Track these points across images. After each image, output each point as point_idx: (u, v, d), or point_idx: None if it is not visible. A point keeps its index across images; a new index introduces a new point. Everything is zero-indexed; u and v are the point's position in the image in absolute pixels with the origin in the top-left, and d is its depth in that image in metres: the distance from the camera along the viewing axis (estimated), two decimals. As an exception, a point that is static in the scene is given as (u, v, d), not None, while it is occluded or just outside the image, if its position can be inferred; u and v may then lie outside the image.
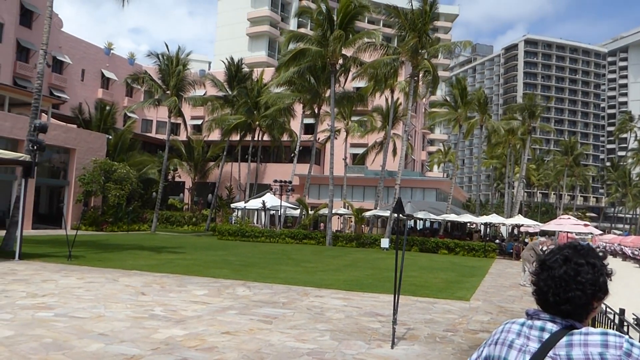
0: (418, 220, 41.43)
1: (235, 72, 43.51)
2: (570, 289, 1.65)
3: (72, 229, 25.51)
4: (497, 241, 36.61)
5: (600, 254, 1.74)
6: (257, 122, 42.47)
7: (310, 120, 43.97)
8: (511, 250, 31.76)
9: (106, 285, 12.03)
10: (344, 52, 32.78)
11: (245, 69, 45.64)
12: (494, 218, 36.42)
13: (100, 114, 39.89)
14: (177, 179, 51.65)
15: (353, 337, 8.16)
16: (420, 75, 34.18)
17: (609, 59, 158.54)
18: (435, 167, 79.41)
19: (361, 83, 39.77)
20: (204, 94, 49.38)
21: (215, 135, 45.46)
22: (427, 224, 44.66)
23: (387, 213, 32.80)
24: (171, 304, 10.17)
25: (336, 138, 37.67)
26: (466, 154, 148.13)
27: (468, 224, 42.70)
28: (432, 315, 10.56)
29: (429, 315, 10.54)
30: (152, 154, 47.96)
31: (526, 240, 40.15)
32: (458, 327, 9.49)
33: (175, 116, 37.34)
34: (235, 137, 44.37)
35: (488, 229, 40.80)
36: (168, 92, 36.98)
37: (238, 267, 17.19)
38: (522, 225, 37.66)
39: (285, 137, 45.51)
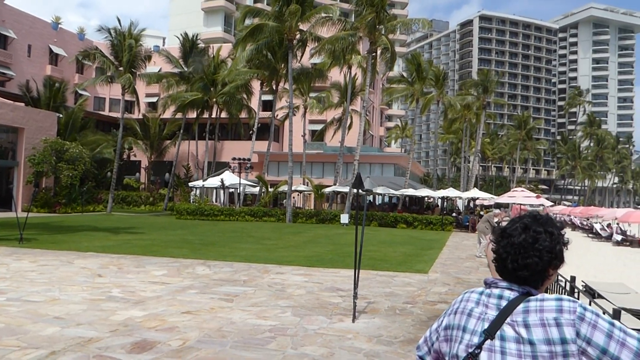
0: (377, 196, 41.91)
1: (191, 48, 42.48)
2: (528, 255, 1.68)
3: (23, 211, 24.65)
4: (454, 214, 37.45)
5: (558, 223, 1.78)
6: (215, 99, 41.74)
7: (269, 97, 43.54)
8: (467, 223, 32.55)
9: (60, 268, 11.71)
10: (301, 27, 32.41)
11: (201, 45, 44.60)
12: (450, 192, 37.20)
13: (49, 92, 38.36)
14: (132, 158, 50.47)
15: (314, 313, 8.22)
16: (379, 51, 34.19)
17: (560, 35, 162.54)
18: (393, 142, 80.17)
19: (319, 59, 39.51)
20: (158, 71, 48.19)
21: (171, 113, 44.42)
22: (386, 199, 45.24)
23: (346, 189, 33.02)
24: (129, 285, 9.99)
25: (295, 115, 37.47)
26: (423, 129, 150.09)
27: (426, 198, 43.48)
28: (392, 288, 10.74)
29: (389, 288, 10.71)
30: (105, 132, 46.65)
31: (482, 213, 41.18)
32: (417, 299, 9.69)
33: (129, 93, 36.29)
34: (192, 115, 43.55)
35: (445, 203, 41.65)
36: (121, 68, 35.82)
37: (197, 246, 17.03)
38: (478, 198, 38.64)
39: (243, 114, 44.91)
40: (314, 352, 6.23)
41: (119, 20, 36.93)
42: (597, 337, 1.53)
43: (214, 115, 43.89)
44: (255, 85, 41.31)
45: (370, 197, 42.08)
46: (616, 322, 1.61)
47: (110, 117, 53.02)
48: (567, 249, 1.76)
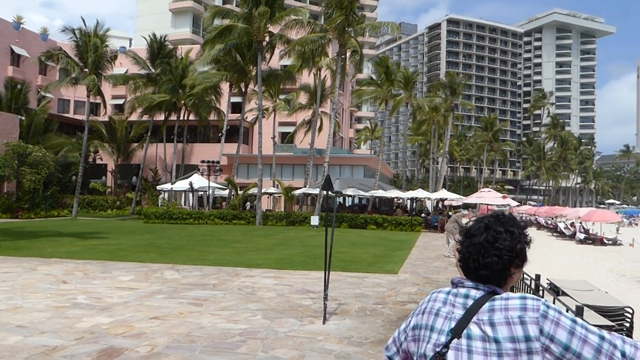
0: (347, 197, 42.06)
1: (159, 50, 41.92)
2: (488, 254, 1.71)
3: (-16, 217, 23.92)
4: (422, 215, 37.85)
5: (522, 223, 1.81)
6: (183, 101, 41.25)
7: (238, 99, 43.29)
8: (436, 224, 32.94)
9: (23, 274, 11.38)
10: (270, 29, 32.34)
11: (169, 46, 44.05)
12: (419, 193, 37.59)
13: (10, 94, 37.39)
14: (98, 162, 49.45)
15: (285, 315, 8.20)
16: (348, 53, 34.35)
17: (525, 39, 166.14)
18: (363, 144, 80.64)
19: (289, 61, 39.46)
20: (125, 72, 47.37)
21: (138, 115, 43.69)
22: (356, 201, 45.44)
23: (316, 191, 33.04)
24: (95, 291, 9.78)
25: (264, 117, 37.34)
26: (392, 131, 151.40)
27: (395, 199, 43.84)
28: (362, 289, 10.78)
29: (359, 289, 10.75)
30: (70, 135, 45.64)
31: (450, 213, 41.73)
32: (387, 300, 9.75)
33: (95, 95, 35.59)
34: (160, 117, 42.95)
35: (414, 204, 42.05)
36: (86, 70, 35.09)
37: (166, 250, 16.79)
38: (446, 199, 39.13)
39: (212, 117, 44.51)
40: (284, 354, 6.20)
41: (83, 21, 36.26)
42: (559, 334, 1.56)
43: (182, 118, 43.37)
44: (225, 87, 40.99)
45: (340, 199, 42.21)
46: (578, 319, 1.64)
47: (75, 120, 51.84)
48: (529, 247, 1.78)
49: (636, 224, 64.94)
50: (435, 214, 38.43)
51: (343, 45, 32.13)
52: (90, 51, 34.62)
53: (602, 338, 1.56)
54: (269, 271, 12.91)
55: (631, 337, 6.93)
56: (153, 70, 41.56)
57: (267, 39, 32.66)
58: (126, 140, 47.67)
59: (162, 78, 40.81)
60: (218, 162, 36.45)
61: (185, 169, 44.13)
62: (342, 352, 6.36)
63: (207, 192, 35.18)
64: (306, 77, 40.49)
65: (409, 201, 41.10)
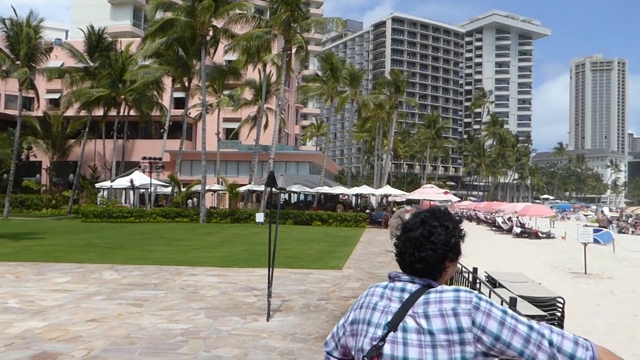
0: (293, 194, 42.05)
1: (97, 42, 40.41)
2: (423, 248, 1.74)
3: None
4: (367, 211, 38.34)
5: (457, 218, 1.85)
6: (123, 96, 39.98)
7: (181, 94, 42.38)
8: (380, 219, 33.43)
9: (-52, 278, 10.74)
10: (214, 23, 31.83)
11: (109, 39, 42.56)
12: (364, 189, 38.06)
13: None
14: (32, 159, 47.19)
15: (228, 314, 8.10)
16: (293, 49, 34.28)
17: (467, 39, 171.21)
18: (309, 140, 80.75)
19: (233, 56, 38.99)
20: (61, 65, 45.38)
21: (75, 110, 41.91)
22: (302, 197, 45.50)
23: (261, 187, 32.83)
24: (28, 294, 9.34)
25: (208, 112, 36.75)
26: (338, 127, 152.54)
27: (340, 196, 44.18)
28: (307, 285, 10.80)
29: (304, 285, 10.77)
30: (1, 131, 43.38)
31: (394, 209, 42.51)
32: (331, 295, 9.80)
33: (27, 89, 33.96)
34: (99, 112, 41.47)
35: (359, 200, 42.52)
36: (18, 62, 33.43)
37: (105, 249, 16.25)
38: (390, 195, 39.79)
39: (154, 112, 43.37)
40: (227, 353, 6.13)
41: (14, 10, 34.44)
42: (490, 324, 1.60)
43: (122, 113, 42.04)
44: (167, 82, 39.97)
45: (286, 196, 42.16)
46: (509, 310, 1.69)
47: (6, 115, 49.28)
48: (463, 241, 1.82)
49: (568, 218, 68.22)
50: (380, 209, 39.01)
51: (288, 41, 32.05)
52: (23, 42, 32.98)
53: (531, 328, 1.62)
54: (212, 269, 12.73)
55: (562, 326, 7.25)
56: (91, 64, 40.06)
57: (210, 33, 32.15)
58: (62, 137, 45.72)
59: (100, 72, 39.40)
60: (160, 159, 35.58)
61: (126, 166, 42.81)
62: (285, 349, 6.34)
63: (149, 190, 34.31)
64: (251, 73, 40.12)
65: (353, 197, 41.52)
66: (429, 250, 1.74)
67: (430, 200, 35.16)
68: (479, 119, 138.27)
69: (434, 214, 1.82)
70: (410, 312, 1.66)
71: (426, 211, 1.85)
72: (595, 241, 23.31)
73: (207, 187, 33.77)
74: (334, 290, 10.31)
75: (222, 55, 39.30)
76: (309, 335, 7.01)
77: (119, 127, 42.23)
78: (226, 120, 50.20)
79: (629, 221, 50.96)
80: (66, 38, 68.55)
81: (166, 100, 41.53)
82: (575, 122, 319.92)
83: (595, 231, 24.09)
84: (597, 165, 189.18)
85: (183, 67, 35.60)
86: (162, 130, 40.39)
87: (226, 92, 43.42)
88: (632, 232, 43.67)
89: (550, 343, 1.59)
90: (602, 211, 67.03)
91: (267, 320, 7.71)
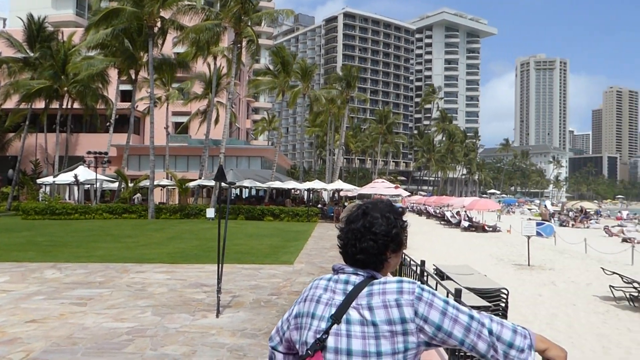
0: (244, 189, 41.71)
1: (37, 32, 38.77)
2: (364, 239, 1.75)
3: None
4: (319, 206, 38.46)
5: (399, 209, 1.86)
6: (66, 88, 38.50)
7: (128, 87, 41.22)
8: (332, 214, 33.60)
9: None
10: (162, 14, 31.08)
11: (50, 29, 40.87)
12: (316, 184, 38.14)
13: None
14: (-32, 153, 45.02)
15: (177, 311, 7.95)
16: (244, 42, 33.89)
17: (417, 35, 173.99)
18: (260, 135, 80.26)
19: (182, 49, 38.18)
20: (-3, 55, 43.34)
21: (14, 103, 40.07)
22: (253, 192, 45.19)
23: (212, 182, 32.39)
24: (-38, 294, 8.87)
25: (156, 106, 35.95)
26: (290, 122, 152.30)
27: (292, 191, 44.15)
28: (258, 280, 10.73)
29: (255, 281, 10.69)
30: None
31: (346, 203, 42.79)
32: (282, 290, 9.77)
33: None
34: (40, 105, 39.82)
35: (311, 195, 42.59)
36: (-50, 51, 31.72)
37: (47, 247, 15.62)
38: (342, 189, 40.02)
39: (99, 105, 42.01)
40: (175, 351, 6.00)
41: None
42: (432, 315, 1.63)
43: (65, 106, 40.48)
44: (113, 74, 38.74)
45: (237, 191, 41.78)
46: (450, 300, 1.72)
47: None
48: (405, 233, 1.83)
49: (513, 212, 70.57)
50: (331, 204, 39.20)
51: (239, 34, 31.66)
52: (-44, 30, 31.30)
53: (472, 317, 1.65)
54: (160, 266, 12.46)
55: (506, 316, 7.46)
56: (31, 54, 38.39)
57: (158, 24, 31.36)
58: (0, 130, 43.71)
59: (42, 63, 37.79)
60: (106, 153, 34.54)
61: (70, 161, 41.34)
62: (235, 345, 6.27)
63: (95, 185, 33.27)
64: (201, 66, 39.46)
65: (305, 192, 41.56)
66: (370, 241, 1.75)
67: (381, 195, 35.58)
68: (429, 115, 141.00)
69: (375, 205, 1.83)
70: (353, 304, 1.66)
71: (368, 203, 1.86)
72: (538, 234, 24.22)
73: (155, 182, 33.07)
74: (285, 285, 10.28)
75: (171, 47, 38.48)
76: (259, 330, 6.95)
77: (62, 121, 40.63)
78: (175, 114, 49.22)
79: (569, 215, 53.18)
80: (4, 27, 65.43)
81: (112, 93, 40.26)
82: (520, 119, 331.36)
83: (538, 224, 25.03)
84: (541, 160, 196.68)
85: (130, 59, 34.57)
86: (107, 124, 39.14)
87: (175, 85, 42.54)
88: (572, 225, 45.59)
89: (490, 332, 1.63)
90: (544, 205, 69.67)
91: (217, 316, 7.61)
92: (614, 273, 13.19)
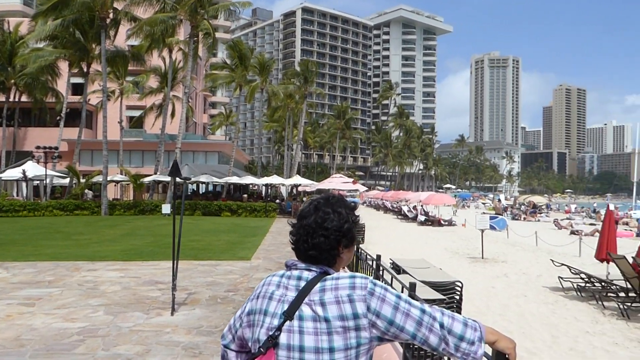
0: (201, 184, 41.19)
1: (-19, 21, 37.14)
2: (316, 235, 1.75)
3: None
4: (277, 201, 38.34)
5: (351, 204, 1.86)
6: (13, 81, 37.04)
7: (80, 80, 39.95)
8: (290, 209, 33.55)
9: None
10: (115, 5, 30.25)
11: (-5, 18, 39.21)
12: (274, 179, 37.99)
13: None
14: None
15: (130, 309, 7.77)
16: (200, 35, 33.37)
17: (375, 32, 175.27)
18: (218, 130, 79.37)
19: (137, 41, 37.27)
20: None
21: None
22: (210, 188, 44.67)
23: (168, 178, 31.82)
24: None
25: (110, 99, 35.01)
26: (248, 117, 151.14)
27: (250, 186, 43.87)
28: (214, 277, 10.60)
29: (211, 277, 10.56)
30: None
31: (304, 199, 42.84)
32: (239, 287, 9.68)
33: None
34: (-15, 97, 38.20)
35: (269, 190, 42.40)
36: None
37: (-7, 245, 15.02)
38: (300, 184, 40.01)
39: (49, 98, 40.58)
40: (128, 351, 5.86)
41: None
42: (385, 309, 1.64)
43: (13, 99, 38.91)
44: (63, 66, 37.47)
45: (194, 186, 41.21)
46: (402, 295, 1.74)
47: None
48: (356, 227, 1.83)
49: (468, 206, 72.15)
50: (290, 199, 39.14)
51: (195, 27, 31.17)
52: None
53: (423, 311, 1.67)
54: (114, 263, 12.15)
55: (460, 308, 7.60)
56: (-26, 44, 36.74)
57: (111, 15, 30.51)
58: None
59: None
60: (57, 148, 33.43)
61: (18, 156, 39.82)
62: (190, 343, 6.17)
63: (44, 181, 32.16)
64: (157, 60, 38.63)
65: (263, 187, 41.35)
66: (321, 237, 1.74)
67: (339, 190, 35.78)
68: (387, 111, 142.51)
69: (327, 200, 1.82)
70: (306, 300, 1.66)
71: (320, 198, 1.85)
72: (492, 228, 24.77)
73: (109, 178, 32.25)
74: (242, 282, 10.19)
75: (124, 39, 37.52)
76: (215, 327, 6.87)
77: (9, 114, 39.06)
78: (130, 107, 48.11)
79: (521, 208, 54.78)
80: (-54, 15, 62.21)
81: (62, 86, 38.95)
82: (475, 115, 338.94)
83: (491, 218, 25.59)
84: (494, 156, 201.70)
85: (81, 51, 33.49)
86: (58, 118, 37.84)
87: (130, 78, 41.52)
88: (524, 218, 46.98)
89: (442, 325, 1.66)
90: (498, 199, 71.63)
91: (172, 314, 7.48)
92: (562, 265, 13.65)
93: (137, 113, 48.60)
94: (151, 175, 34.99)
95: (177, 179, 8.13)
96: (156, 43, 32.96)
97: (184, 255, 12.38)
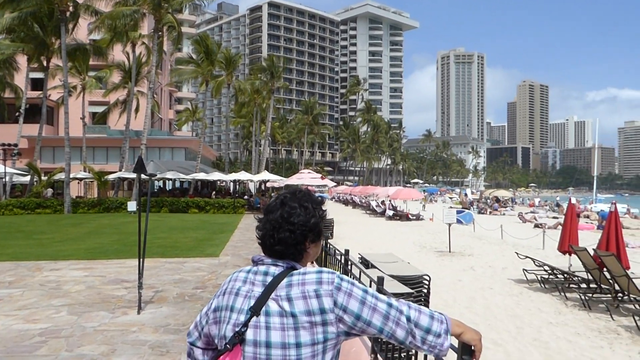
0: (167, 181, 40.62)
1: None
2: (282, 229, 1.74)
3: None
4: (245, 197, 38.11)
5: (318, 198, 1.85)
6: (-31, 75, 35.74)
7: (39, 75, 38.82)
8: (259, 205, 33.40)
9: None
10: (75, -2, 29.49)
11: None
12: (242, 175, 37.76)
13: None
14: None
15: (95, 308, 7.60)
16: (165, 30, 32.82)
17: (342, 27, 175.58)
18: (184, 126, 78.35)
19: (99, 36, 36.40)
20: None
21: None
22: (177, 184, 44.11)
23: (133, 175, 31.27)
24: None
25: (71, 95, 34.17)
26: (215, 112, 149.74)
27: (218, 182, 43.49)
28: (182, 274, 10.47)
29: (179, 275, 10.42)
30: None
31: (272, 194, 42.66)
32: (207, 284, 9.58)
33: None
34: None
35: (237, 186, 42.10)
36: None
37: (-51, 246, 14.49)
38: (269, 180, 39.86)
39: (7, 94, 39.29)
40: (92, 351, 5.73)
41: None
42: (352, 304, 1.63)
43: (-31, 94, 37.60)
44: (22, 60, 36.30)
45: (161, 183, 40.61)
46: (369, 289, 1.73)
47: None
48: (323, 222, 1.83)
49: (435, 201, 73.12)
50: (258, 195, 38.96)
51: (159, 21, 30.63)
52: None
53: (390, 305, 1.67)
54: (77, 262, 11.87)
55: (428, 301, 7.68)
56: None
57: (71, 8, 29.71)
58: None
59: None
60: (16, 145, 32.44)
61: (-26, 153, 38.49)
62: (157, 342, 6.08)
63: (4, 179, 31.22)
64: (120, 54, 37.83)
65: (231, 183, 41.05)
66: (287, 232, 1.73)
67: (308, 186, 35.74)
68: (354, 106, 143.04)
69: (294, 195, 1.82)
70: (273, 295, 1.65)
71: (286, 192, 1.85)
72: (458, 222, 25.14)
73: (72, 175, 31.50)
74: (210, 278, 10.09)
75: (87, 34, 36.61)
76: (182, 325, 6.78)
77: (-34, 110, 37.73)
78: (93, 103, 47.07)
79: (487, 202, 55.82)
80: None
81: (21, 81, 37.75)
82: (441, 111, 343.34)
83: (458, 212, 25.97)
84: (461, 151, 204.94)
85: (40, 45, 32.52)
86: (17, 114, 36.69)
87: (92, 73, 40.56)
88: (490, 212, 47.87)
89: (408, 319, 1.66)
90: (464, 194, 72.77)
91: (138, 312, 7.35)
92: (527, 257, 13.98)
93: (100, 109, 47.57)
94: (116, 172, 34.32)
95: (143, 176, 7.99)
96: (119, 37, 32.25)
97: (151, 253, 12.18)
